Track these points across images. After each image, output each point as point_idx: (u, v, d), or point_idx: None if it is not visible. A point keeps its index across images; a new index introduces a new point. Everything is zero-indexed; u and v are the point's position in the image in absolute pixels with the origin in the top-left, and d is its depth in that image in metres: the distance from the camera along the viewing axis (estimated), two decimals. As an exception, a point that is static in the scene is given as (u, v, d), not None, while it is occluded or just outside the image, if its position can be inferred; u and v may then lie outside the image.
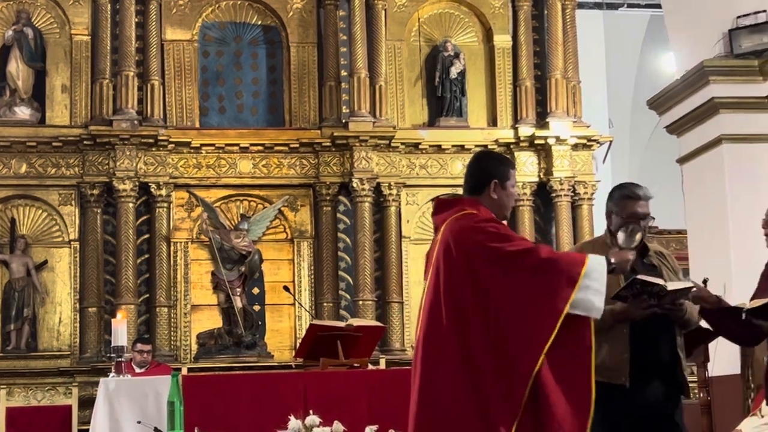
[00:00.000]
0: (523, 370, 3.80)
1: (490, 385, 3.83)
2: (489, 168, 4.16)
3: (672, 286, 4.40)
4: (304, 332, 8.85)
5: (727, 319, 4.61)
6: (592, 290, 3.87)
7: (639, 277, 4.40)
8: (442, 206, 4.23)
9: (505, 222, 4.21)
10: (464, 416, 3.86)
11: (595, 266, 3.91)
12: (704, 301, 4.60)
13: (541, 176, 12.29)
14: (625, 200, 4.67)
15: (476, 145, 12.23)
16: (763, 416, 7.83)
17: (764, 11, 9.13)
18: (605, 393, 4.61)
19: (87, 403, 9.36)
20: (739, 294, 9.19)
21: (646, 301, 4.41)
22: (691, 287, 4.46)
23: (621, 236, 4.45)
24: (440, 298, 4.00)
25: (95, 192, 11.61)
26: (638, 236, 4.47)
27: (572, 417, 3.87)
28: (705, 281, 4.74)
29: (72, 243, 11.70)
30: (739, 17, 9.26)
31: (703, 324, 5.04)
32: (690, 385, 4.81)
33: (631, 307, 4.45)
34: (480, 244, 3.92)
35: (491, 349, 3.84)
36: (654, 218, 4.74)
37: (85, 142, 11.62)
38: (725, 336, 4.91)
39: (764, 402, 7.92)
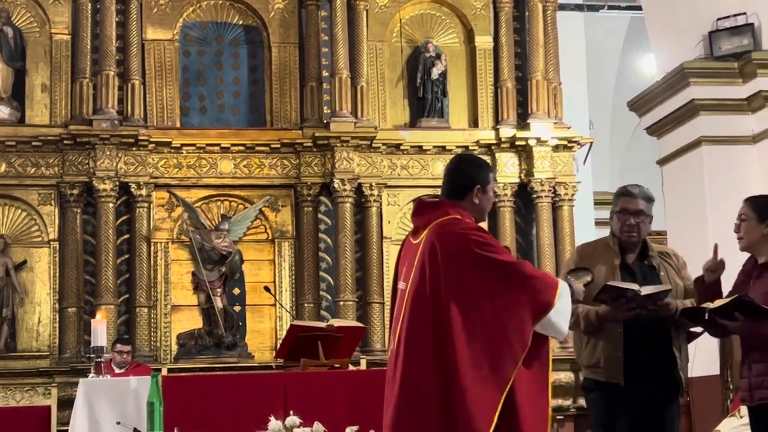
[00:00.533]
0: (501, 378, 3.86)
1: (469, 390, 3.86)
2: (472, 174, 4.21)
3: (646, 290, 4.45)
4: (284, 333, 8.83)
5: (695, 318, 4.65)
6: (562, 314, 3.97)
7: (610, 283, 4.47)
8: (424, 208, 4.25)
9: (483, 224, 4.26)
10: (442, 418, 3.89)
11: (564, 291, 4.00)
12: (710, 272, 4.63)
13: (522, 177, 12.31)
14: (619, 197, 4.80)
15: (457, 146, 12.25)
16: (741, 417, 7.88)
17: (744, 14, 9.20)
18: (601, 391, 4.65)
19: (66, 404, 9.32)
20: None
21: (626, 304, 4.45)
22: (669, 290, 4.52)
23: (613, 305, 4.51)
24: (424, 302, 4.02)
25: (75, 192, 11.55)
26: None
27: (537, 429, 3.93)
28: (716, 246, 4.77)
29: (51, 243, 11.64)
30: (719, 19, 9.32)
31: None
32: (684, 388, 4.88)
33: (613, 310, 4.51)
34: (469, 251, 3.97)
35: (472, 355, 3.89)
36: (650, 218, 4.80)
37: (65, 141, 11.56)
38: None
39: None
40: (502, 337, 3.89)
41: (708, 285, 4.66)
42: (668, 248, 5.03)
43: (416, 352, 4.00)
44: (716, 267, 4.64)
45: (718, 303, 4.49)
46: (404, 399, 4.01)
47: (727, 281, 4.69)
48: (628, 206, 4.73)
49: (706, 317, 4.51)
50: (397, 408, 4.03)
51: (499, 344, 3.88)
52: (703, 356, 8.78)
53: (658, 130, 10.13)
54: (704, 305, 4.56)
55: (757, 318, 4.40)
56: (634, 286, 4.46)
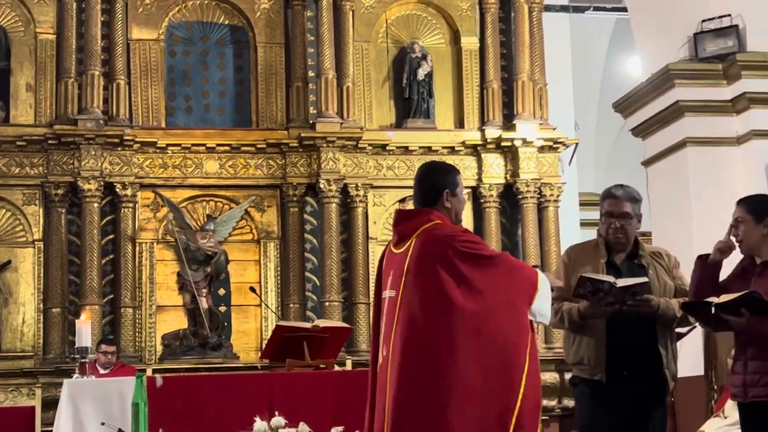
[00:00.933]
0: (517, 366, 4.07)
1: (485, 387, 4.03)
2: (438, 180, 4.38)
3: (622, 282, 4.44)
4: (270, 333, 8.82)
5: (702, 314, 4.63)
6: (546, 298, 4.18)
7: (585, 275, 4.45)
8: (406, 217, 4.43)
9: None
10: (452, 420, 4.00)
11: (543, 277, 4.20)
12: (720, 252, 4.63)
13: (508, 178, 12.33)
14: (604, 199, 4.82)
15: (443, 147, 12.27)
16: (726, 417, 7.91)
17: (729, 15, 9.23)
18: (585, 387, 4.66)
19: (50, 405, 9.25)
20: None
21: (604, 298, 4.44)
22: (646, 282, 4.51)
23: (591, 300, 4.50)
24: (420, 308, 4.13)
25: (60, 192, 11.51)
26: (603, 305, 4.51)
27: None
28: (731, 226, 4.75)
29: (36, 243, 11.60)
30: (703, 21, 9.34)
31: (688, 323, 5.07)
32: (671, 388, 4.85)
33: (592, 306, 4.51)
34: (460, 251, 4.13)
35: (483, 351, 4.05)
36: (638, 220, 4.79)
37: (49, 141, 11.52)
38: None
39: (727, 403, 8.00)
40: (508, 328, 4.08)
41: (711, 265, 4.65)
42: (660, 248, 5.02)
43: (417, 357, 4.10)
44: (727, 248, 4.64)
45: (725, 298, 4.48)
46: (406, 404, 4.08)
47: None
48: (612, 209, 4.74)
49: (712, 311, 4.48)
50: (398, 413, 4.09)
51: (506, 335, 4.07)
52: (688, 356, 8.81)
53: (643, 131, 10.15)
54: (709, 299, 4.54)
55: (763, 315, 4.39)
56: (610, 278, 4.47)
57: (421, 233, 4.23)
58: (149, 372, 9.43)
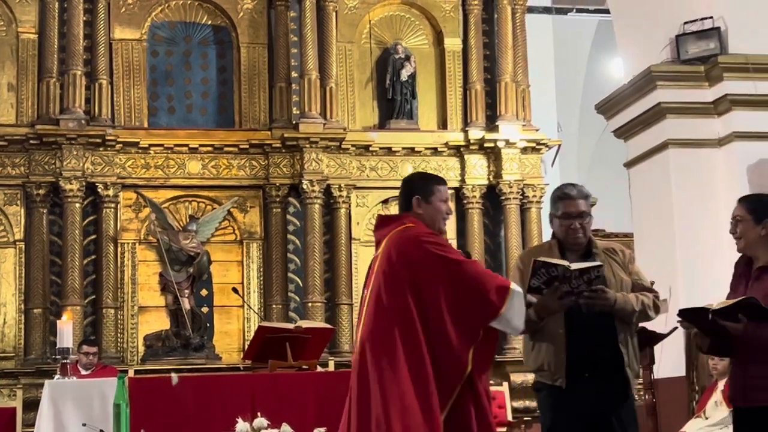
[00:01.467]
0: (456, 369, 4.18)
1: (431, 379, 4.15)
2: (411, 186, 4.56)
3: (576, 265, 4.38)
4: (252, 334, 8.81)
5: (699, 320, 4.60)
6: (516, 311, 4.24)
7: (540, 258, 4.41)
8: (383, 221, 4.60)
9: (450, 230, 4.39)
10: (412, 407, 4.12)
11: (518, 289, 4.27)
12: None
13: (491, 179, 12.36)
14: (558, 201, 4.74)
15: (426, 148, 12.29)
16: (707, 418, 7.94)
17: (710, 18, 9.25)
18: (548, 392, 4.62)
19: (32, 406, 9.24)
20: (685, 295, 9.31)
21: (559, 288, 4.36)
22: (600, 265, 4.44)
23: (546, 292, 4.42)
24: (384, 306, 4.27)
25: (41, 192, 11.47)
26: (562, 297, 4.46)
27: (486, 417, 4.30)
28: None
29: (17, 243, 11.55)
30: (685, 23, 9.36)
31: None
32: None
33: (547, 298, 4.40)
34: (426, 252, 4.26)
35: (430, 350, 4.18)
36: (592, 216, 4.74)
37: (31, 141, 11.47)
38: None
39: (708, 404, 8.03)
40: (454, 334, 4.17)
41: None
42: (614, 244, 4.91)
43: (369, 356, 4.23)
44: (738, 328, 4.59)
45: (721, 304, 4.47)
46: (359, 404, 4.21)
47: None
48: (569, 210, 4.68)
49: (710, 318, 4.46)
50: (356, 413, 4.22)
51: (451, 343, 4.17)
52: (669, 357, 8.83)
53: (625, 132, 10.17)
54: (706, 306, 4.52)
55: (761, 320, 4.39)
56: (564, 262, 4.39)
57: (393, 235, 4.39)
58: (131, 373, 9.40)
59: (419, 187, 4.53)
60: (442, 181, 4.61)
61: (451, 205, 4.56)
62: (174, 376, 6.34)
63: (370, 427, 4.16)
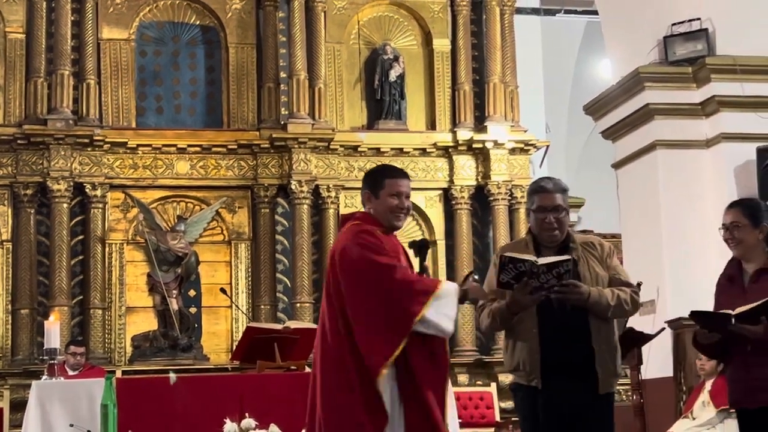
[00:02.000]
0: (372, 372, 4.11)
1: (354, 385, 4.13)
2: (364, 180, 4.48)
3: (543, 260, 4.31)
4: (240, 335, 8.79)
5: (715, 325, 4.56)
6: (442, 313, 4.14)
7: (506, 254, 4.34)
8: (342, 220, 4.54)
9: (396, 230, 4.41)
10: (347, 415, 4.14)
11: (447, 292, 4.18)
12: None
13: (479, 180, 12.37)
14: (534, 194, 4.62)
15: (414, 148, 12.29)
16: (694, 418, 7.96)
17: (698, 19, 9.28)
18: (524, 393, 4.56)
19: (19, 406, 9.22)
20: (673, 296, 9.33)
21: (529, 283, 4.31)
22: (568, 259, 4.34)
23: (516, 287, 4.36)
24: (323, 307, 4.32)
25: (29, 192, 11.43)
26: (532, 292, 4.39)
27: (424, 421, 4.16)
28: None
29: (4, 243, 11.51)
30: (673, 25, 9.39)
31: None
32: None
33: (517, 293, 4.35)
34: (352, 253, 4.20)
35: (353, 351, 4.15)
36: (567, 210, 4.66)
37: (18, 141, 11.44)
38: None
39: (695, 404, 8.05)
40: (374, 333, 4.11)
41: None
42: (593, 238, 4.83)
43: (316, 357, 4.31)
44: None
45: (741, 308, 4.44)
46: (311, 402, 4.32)
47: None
48: (545, 203, 4.54)
49: (732, 323, 4.45)
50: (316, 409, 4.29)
51: (370, 341, 4.11)
52: (656, 358, 8.85)
53: (613, 133, 10.19)
54: (725, 311, 4.49)
55: None
56: (531, 257, 4.32)
57: (339, 234, 4.42)
58: (119, 374, 9.38)
59: (369, 182, 4.43)
60: (396, 174, 4.44)
61: (408, 201, 4.39)
62: (172, 375, 6.33)
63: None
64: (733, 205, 4.80)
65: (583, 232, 13.29)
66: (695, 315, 4.63)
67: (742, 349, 4.55)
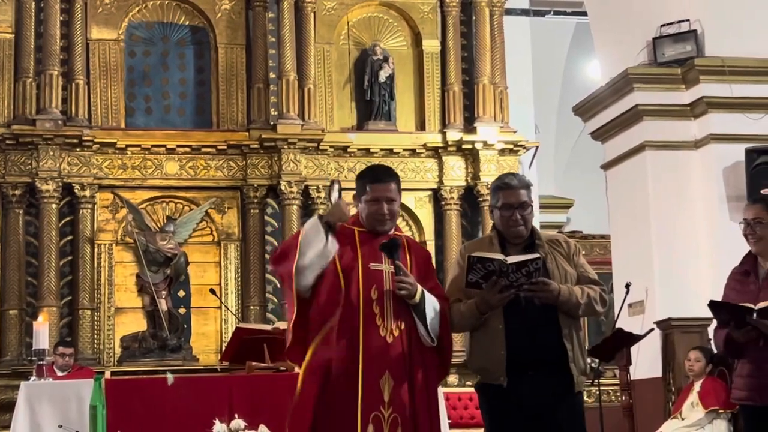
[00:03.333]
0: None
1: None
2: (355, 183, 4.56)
3: (512, 259, 4.25)
4: (230, 335, 8.78)
5: (732, 318, 4.54)
6: (309, 246, 4.33)
7: (474, 254, 4.29)
8: None
9: (391, 232, 4.44)
10: None
11: (308, 232, 4.40)
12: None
13: (468, 180, 12.37)
14: (498, 191, 4.56)
15: (404, 149, 12.29)
16: (683, 419, 7.99)
17: (687, 20, 9.32)
18: (489, 393, 4.50)
19: (7, 407, 9.20)
20: (662, 297, 9.36)
21: (498, 282, 4.26)
22: (537, 258, 4.29)
23: (485, 286, 4.31)
24: None
25: (17, 192, 11.40)
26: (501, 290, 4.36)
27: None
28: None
29: (-7, 244, 11.48)
30: (662, 26, 9.44)
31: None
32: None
33: (486, 292, 4.30)
34: None
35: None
36: (532, 206, 4.63)
37: (7, 141, 11.40)
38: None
39: (684, 404, 8.07)
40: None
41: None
42: (559, 236, 4.78)
43: None
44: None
45: (763, 303, 4.46)
46: None
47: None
48: (510, 200, 4.49)
49: (755, 317, 4.45)
50: None
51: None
52: (645, 358, 8.88)
53: (602, 134, 10.23)
54: (747, 305, 4.48)
55: None
56: (500, 256, 4.27)
57: None
58: (107, 374, 9.36)
59: (356, 185, 4.52)
60: (379, 179, 4.44)
61: (387, 206, 4.37)
62: (170, 376, 6.32)
63: None
64: (756, 201, 4.83)
65: (571, 233, 13.33)
66: (714, 305, 4.62)
67: (754, 345, 4.56)
